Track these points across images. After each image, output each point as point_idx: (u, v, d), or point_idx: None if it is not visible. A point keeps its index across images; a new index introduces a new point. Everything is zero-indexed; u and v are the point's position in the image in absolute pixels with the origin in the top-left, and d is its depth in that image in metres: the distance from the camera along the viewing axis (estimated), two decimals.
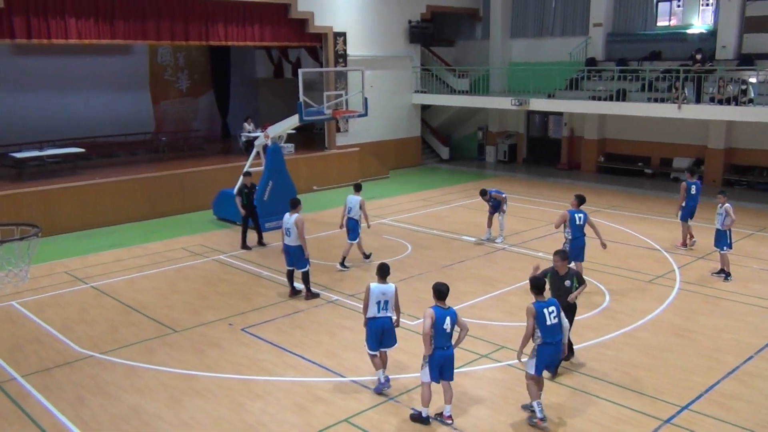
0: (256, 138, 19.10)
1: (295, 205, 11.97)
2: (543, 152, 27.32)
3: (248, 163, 17.96)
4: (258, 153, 18.16)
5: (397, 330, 8.69)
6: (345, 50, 23.53)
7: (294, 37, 22.45)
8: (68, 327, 11.01)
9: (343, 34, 23.44)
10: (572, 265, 11.77)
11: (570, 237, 11.77)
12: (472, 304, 11.66)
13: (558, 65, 24.88)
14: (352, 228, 13.87)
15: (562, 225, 11.88)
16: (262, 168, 17.21)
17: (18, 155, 18.96)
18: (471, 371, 9.17)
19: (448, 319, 7.62)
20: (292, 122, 17.07)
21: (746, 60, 20.69)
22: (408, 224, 17.45)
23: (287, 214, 11.85)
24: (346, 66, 23.28)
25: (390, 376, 8.75)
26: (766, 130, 20.56)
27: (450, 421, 7.84)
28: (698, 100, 19.86)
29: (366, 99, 17.86)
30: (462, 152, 29.33)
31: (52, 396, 8.72)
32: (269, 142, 17.33)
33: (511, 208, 16.80)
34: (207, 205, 18.86)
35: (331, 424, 7.95)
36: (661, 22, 24.41)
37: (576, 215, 11.75)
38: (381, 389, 8.59)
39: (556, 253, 9.01)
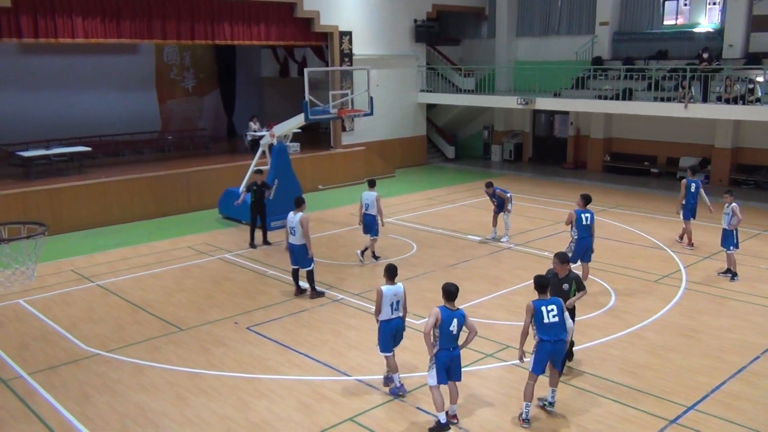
0: (261, 137, 19.12)
1: (299, 204, 11.98)
2: (549, 151, 27.26)
3: (254, 162, 18.00)
4: (263, 152, 18.19)
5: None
6: (351, 49, 23.53)
7: (300, 36, 22.46)
8: (75, 325, 11.06)
9: (349, 33, 23.44)
10: (578, 265, 11.83)
11: (576, 237, 11.74)
12: (477, 304, 11.65)
13: (564, 64, 24.82)
14: (371, 223, 13.94)
15: (570, 224, 11.85)
16: (267, 167, 17.24)
17: (25, 154, 19.03)
18: (476, 370, 9.16)
19: (455, 321, 7.54)
20: (297, 121, 17.09)
21: (753, 59, 20.60)
22: (413, 223, 17.44)
23: (291, 213, 11.86)
24: (351, 65, 23.28)
25: (392, 376, 8.72)
26: None
27: (455, 421, 7.83)
28: (705, 100, 19.78)
29: (371, 98, 17.85)
30: (467, 151, 29.29)
31: (58, 394, 8.76)
32: (275, 141, 17.35)
33: (516, 207, 16.77)
34: (213, 203, 18.90)
35: (336, 423, 7.96)
36: (668, 21, 24.32)
37: (583, 215, 11.72)
38: (396, 392, 8.54)
39: (556, 255, 8.90)
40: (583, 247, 11.79)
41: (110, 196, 17.88)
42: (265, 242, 15.64)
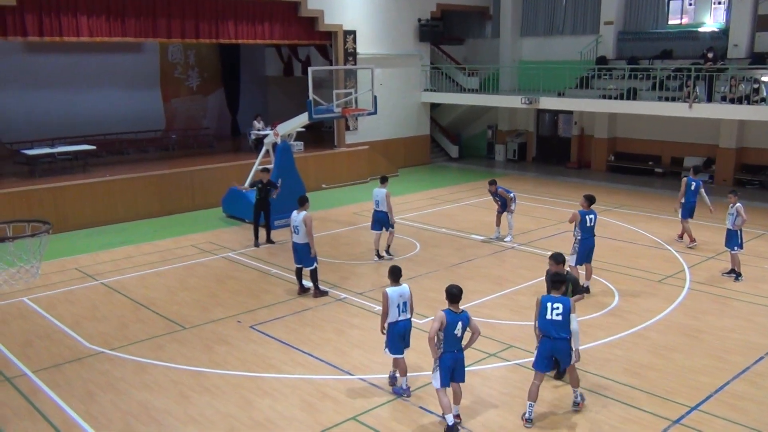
0: (265, 136, 19.14)
1: (303, 203, 11.99)
2: (553, 151, 27.24)
3: (258, 161, 18.02)
4: (267, 151, 18.21)
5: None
6: (355, 48, 23.53)
7: (304, 35, 22.47)
8: (78, 323, 11.09)
9: (353, 32, 23.44)
10: (582, 267, 11.81)
11: (579, 238, 11.69)
12: (480, 303, 11.65)
13: (568, 64, 24.78)
14: (382, 219, 14.04)
15: (574, 225, 11.80)
16: (271, 166, 17.25)
17: (29, 152, 19.08)
18: (479, 370, 9.16)
19: (459, 324, 7.49)
20: (301, 120, 17.10)
21: (759, 59, 20.53)
22: (417, 223, 17.44)
23: (295, 212, 11.87)
24: (355, 64, 23.28)
25: (397, 376, 8.72)
26: None
27: (458, 420, 7.82)
28: (710, 99, 19.73)
29: (375, 97, 17.86)
30: (471, 151, 29.29)
31: (62, 392, 8.78)
32: (279, 140, 17.37)
33: (520, 207, 16.77)
34: (216, 202, 18.93)
35: (339, 421, 7.97)
36: (673, 21, 24.27)
37: (587, 216, 11.67)
38: (400, 393, 8.53)
39: (551, 256, 8.83)
40: (587, 248, 11.76)
41: (114, 194, 17.92)
42: (269, 241, 15.66)
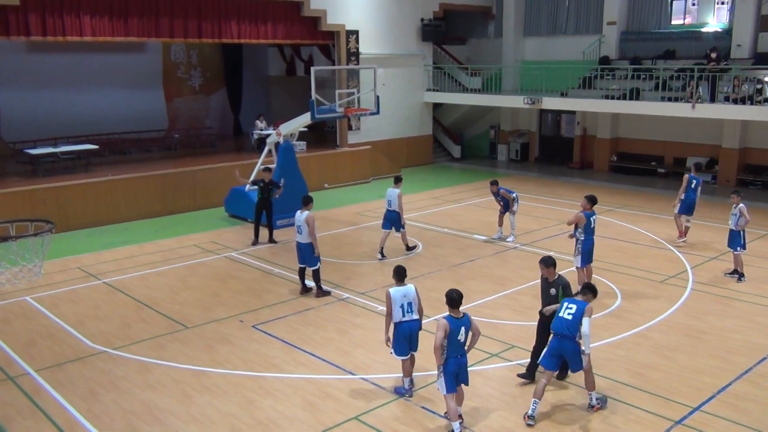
0: (268, 136, 19.15)
1: (306, 203, 12.00)
2: (555, 151, 27.22)
3: (260, 161, 18.04)
4: (270, 150, 18.22)
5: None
6: (357, 48, 23.53)
7: (306, 35, 22.48)
8: (81, 322, 11.11)
9: (356, 32, 23.44)
10: (583, 269, 11.79)
11: (582, 239, 11.67)
12: (482, 303, 11.64)
13: (571, 64, 24.75)
14: (394, 219, 14.19)
15: (574, 226, 11.77)
16: (274, 165, 17.25)
17: (32, 152, 19.11)
18: (482, 370, 9.15)
19: (462, 329, 7.45)
20: (304, 120, 17.11)
21: (762, 59, 20.51)
22: (419, 222, 17.43)
23: (299, 212, 11.88)
24: (358, 64, 23.27)
25: (404, 378, 8.67)
26: None
27: (461, 420, 7.78)
28: (713, 100, 19.71)
29: (378, 97, 17.85)
30: (474, 151, 29.27)
31: (64, 391, 8.80)
32: (281, 140, 17.38)
33: (522, 207, 16.75)
34: (219, 202, 18.94)
35: (341, 421, 7.97)
36: (676, 21, 24.23)
37: (591, 218, 11.67)
38: (402, 393, 8.52)
39: (541, 260, 8.70)
40: (590, 249, 11.74)
41: (117, 194, 17.94)
42: (272, 240, 15.66)
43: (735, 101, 19.06)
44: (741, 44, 21.44)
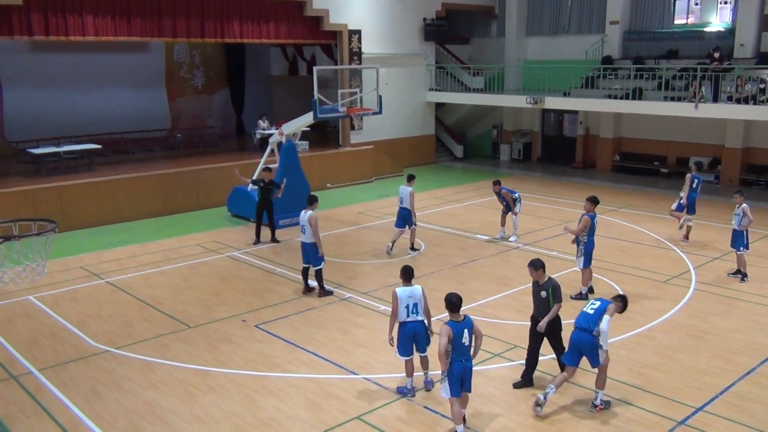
0: (270, 135, 19.15)
1: (311, 202, 11.99)
2: (558, 151, 27.20)
3: (263, 161, 18.05)
4: (272, 150, 18.23)
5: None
6: (360, 48, 23.54)
7: (309, 34, 22.48)
8: (84, 322, 11.12)
9: (358, 32, 23.44)
10: (587, 270, 11.76)
11: (585, 240, 11.64)
12: (485, 303, 11.64)
13: (574, 63, 24.74)
14: (406, 216, 14.38)
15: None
16: (274, 165, 17.26)
17: (35, 151, 19.14)
18: (484, 370, 9.14)
19: (465, 332, 7.36)
20: (306, 120, 17.12)
21: (765, 58, 20.48)
22: (422, 222, 17.39)
23: (303, 211, 11.88)
24: (360, 63, 23.28)
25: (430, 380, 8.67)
26: None
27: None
28: (716, 99, 19.68)
29: (380, 97, 17.85)
30: (476, 150, 29.26)
31: (67, 390, 8.81)
32: (284, 140, 17.38)
33: (525, 207, 16.73)
34: (221, 201, 18.96)
35: (344, 421, 7.97)
36: (679, 20, 24.20)
37: (594, 219, 11.66)
38: (404, 393, 8.51)
39: (530, 263, 8.58)
40: (592, 250, 11.71)
41: (119, 193, 17.96)
42: (274, 240, 15.67)
43: (738, 101, 19.03)
44: (744, 44, 21.40)
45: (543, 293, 8.44)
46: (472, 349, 7.55)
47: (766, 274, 13.09)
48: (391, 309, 8.42)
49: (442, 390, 7.50)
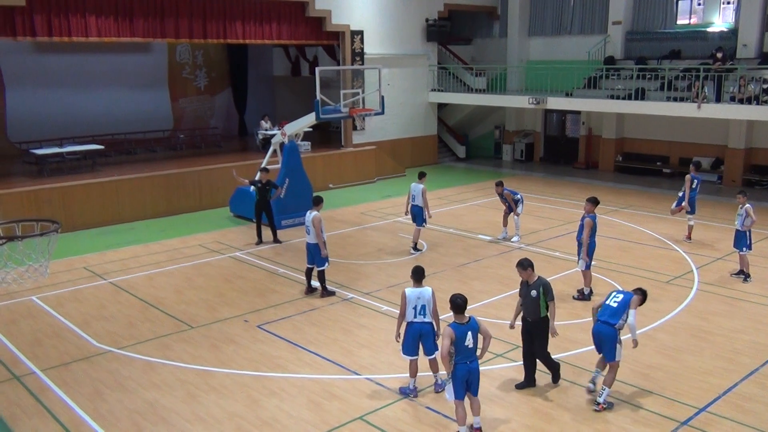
0: (273, 136, 19.17)
1: (317, 203, 11.99)
2: (560, 151, 27.19)
3: (265, 161, 18.06)
4: (275, 151, 18.24)
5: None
6: (362, 48, 23.55)
7: (311, 35, 22.49)
8: (87, 322, 11.14)
9: (361, 33, 23.45)
10: (576, 270, 11.75)
11: (588, 241, 11.61)
12: (487, 303, 11.63)
13: (576, 64, 24.72)
14: (418, 214, 14.58)
15: (579, 230, 11.71)
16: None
17: (38, 152, 19.19)
18: (486, 370, 9.12)
19: (469, 335, 7.29)
20: (308, 120, 17.13)
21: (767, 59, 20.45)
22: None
23: (308, 212, 11.88)
24: (363, 64, 23.29)
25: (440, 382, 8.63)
26: None
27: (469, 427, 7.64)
28: (718, 100, 19.65)
29: (383, 97, 17.86)
30: (478, 151, 29.25)
31: (70, 390, 8.82)
32: (286, 140, 17.39)
33: (527, 207, 16.72)
34: (224, 202, 18.97)
35: (346, 421, 7.97)
36: (681, 21, 24.17)
37: (595, 220, 11.64)
38: (407, 393, 8.50)
39: (518, 264, 8.53)
40: (593, 251, 11.68)
41: (122, 194, 17.98)
42: (276, 240, 15.67)
43: (741, 101, 19.00)
44: (747, 44, 21.36)
45: (533, 293, 8.36)
46: (479, 350, 7.50)
47: None
48: (398, 309, 8.44)
49: (447, 392, 7.47)
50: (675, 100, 20.41)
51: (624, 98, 21.57)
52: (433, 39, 26.35)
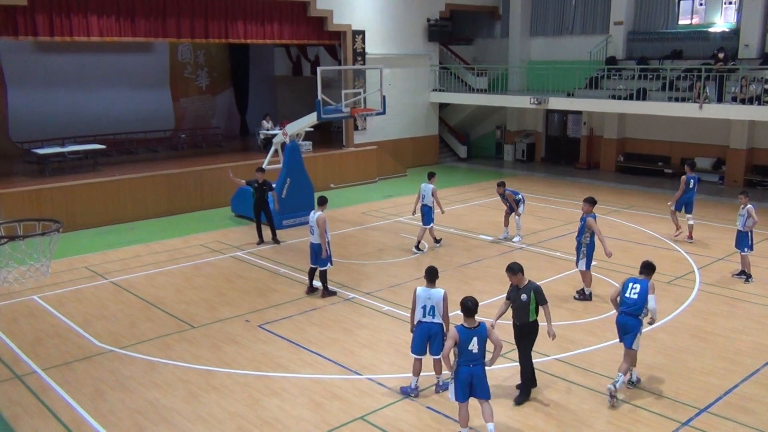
0: (274, 136, 19.18)
1: (321, 203, 11.98)
2: (562, 151, 27.18)
3: (266, 161, 18.05)
4: (276, 150, 18.24)
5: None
6: (363, 48, 23.54)
7: (313, 35, 22.50)
8: (88, 322, 11.15)
9: (362, 32, 23.45)
10: (576, 271, 11.74)
11: (588, 242, 11.58)
12: (488, 304, 11.61)
13: (578, 64, 24.71)
14: (426, 213, 14.78)
15: (580, 229, 11.71)
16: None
17: (40, 151, 19.20)
18: (487, 371, 9.11)
19: (474, 340, 7.19)
20: (310, 120, 17.13)
21: None
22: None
23: (312, 212, 11.88)
24: (364, 64, 23.29)
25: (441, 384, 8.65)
26: None
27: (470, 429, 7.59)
28: (720, 100, 19.65)
29: (384, 97, 17.87)
30: (480, 151, 29.25)
31: (71, 389, 8.83)
32: (287, 140, 17.40)
33: (528, 208, 16.71)
34: (225, 201, 18.98)
35: (347, 421, 7.97)
36: (683, 21, 24.16)
37: (595, 220, 11.63)
38: (407, 393, 8.50)
39: (508, 268, 8.39)
40: (593, 251, 11.67)
41: (124, 193, 18.00)
42: (275, 240, 15.66)
43: (742, 101, 18.99)
44: (748, 44, 21.34)
45: (524, 296, 8.23)
46: (487, 358, 7.41)
47: None
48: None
49: (449, 393, 7.49)
50: (676, 100, 20.41)
51: (625, 98, 21.57)
52: (435, 39, 26.36)
